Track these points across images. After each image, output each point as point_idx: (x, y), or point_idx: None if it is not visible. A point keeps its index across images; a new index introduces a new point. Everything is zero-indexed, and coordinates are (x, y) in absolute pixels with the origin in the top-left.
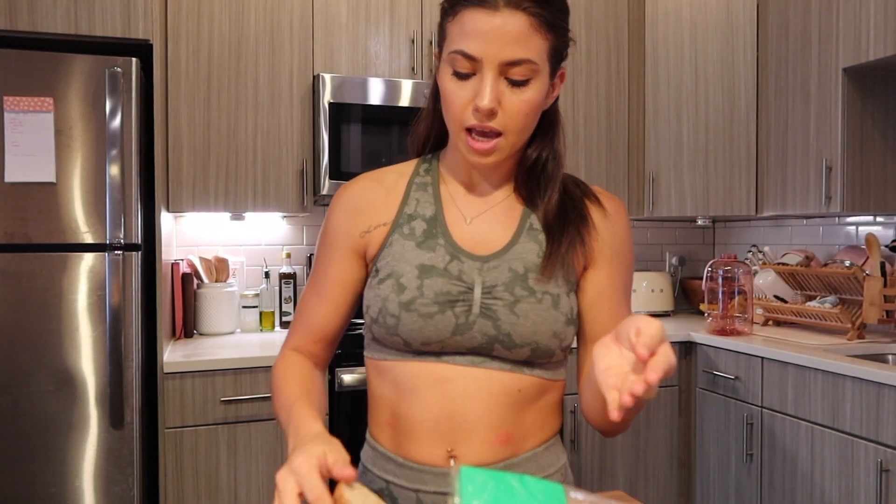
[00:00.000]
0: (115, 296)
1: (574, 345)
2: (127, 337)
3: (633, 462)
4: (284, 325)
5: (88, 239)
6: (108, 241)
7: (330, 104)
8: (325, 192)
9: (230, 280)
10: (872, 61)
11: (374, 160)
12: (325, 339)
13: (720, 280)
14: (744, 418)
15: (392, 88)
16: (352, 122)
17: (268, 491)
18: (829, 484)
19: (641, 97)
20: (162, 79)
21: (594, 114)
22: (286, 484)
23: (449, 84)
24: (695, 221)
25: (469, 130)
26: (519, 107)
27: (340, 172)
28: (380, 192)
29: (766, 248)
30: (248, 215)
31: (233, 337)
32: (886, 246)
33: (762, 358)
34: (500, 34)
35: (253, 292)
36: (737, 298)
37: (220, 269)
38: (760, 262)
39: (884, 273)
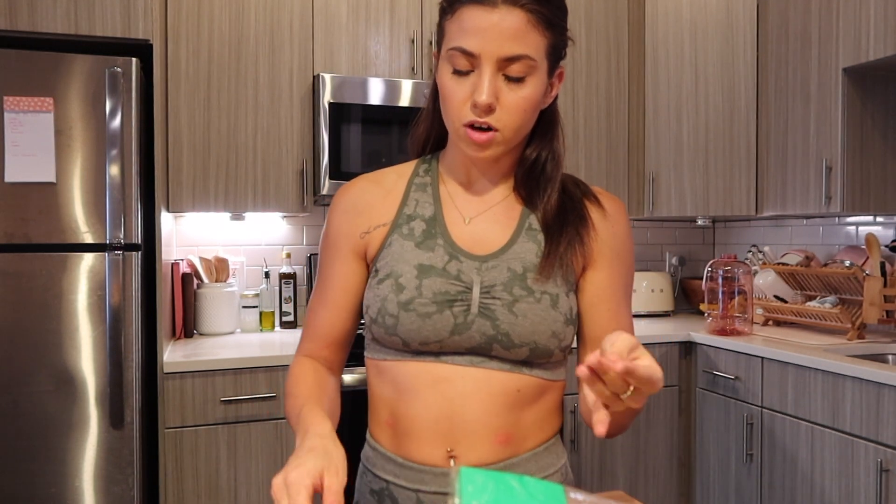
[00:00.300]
0: (115, 296)
1: (574, 345)
2: (127, 337)
3: (633, 462)
4: (284, 325)
5: (88, 239)
6: (108, 241)
7: (330, 104)
8: (325, 192)
9: (230, 280)
10: (872, 61)
11: (374, 160)
12: (334, 343)
13: (720, 280)
14: (744, 418)
15: (392, 88)
16: (352, 122)
17: (268, 491)
18: (829, 484)
19: (641, 97)
20: (162, 79)
21: (594, 114)
22: (280, 498)
23: (448, 81)
24: (695, 221)
25: (467, 128)
26: (517, 103)
27: (340, 172)
28: (379, 193)
29: (766, 248)
30: (248, 215)
31: (233, 337)
32: (886, 246)
33: (762, 358)
34: (499, 30)
35: (253, 292)
36: (737, 298)
37: (220, 269)
38: (760, 262)
39: (884, 273)
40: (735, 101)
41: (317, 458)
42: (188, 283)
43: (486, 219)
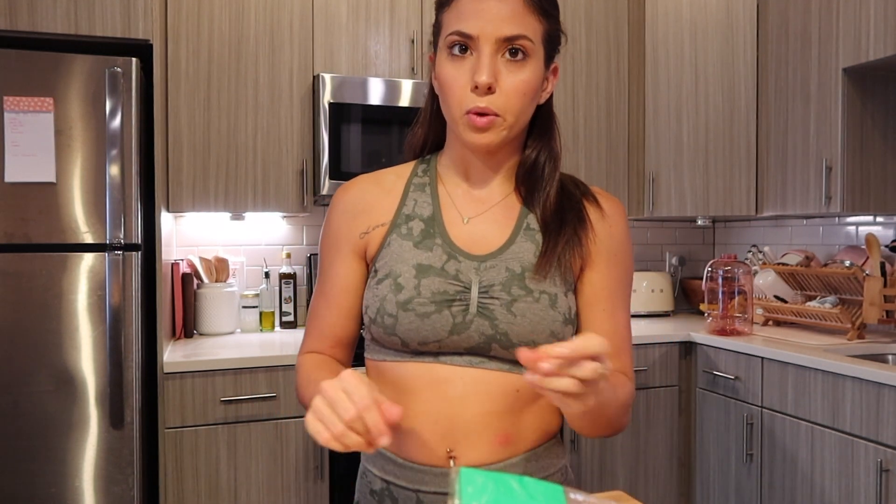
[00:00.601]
0: (115, 296)
1: None
2: (127, 337)
3: (633, 462)
4: (284, 325)
5: (88, 239)
6: (108, 241)
7: (330, 104)
8: (325, 192)
9: (230, 280)
10: (872, 61)
11: (374, 160)
12: (339, 344)
13: (720, 280)
14: (744, 418)
15: (392, 88)
16: (352, 122)
17: (268, 490)
18: (829, 484)
19: (641, 97)
20: (162, 79)
21: (594, 114)
22: (334, 391)
23: (447, 68)
24: (695, 221)
25: (468, 115)
26: (516, 85)
27: (340, 172)
28: (378, 193)
29: (766, 248)
30: (248, 215)
31: (233, 337)
32: (886, 246)
33: (762, 358)
34: (496, 12)
35: (253, 292)
36: (737, 298)
37: (220, 269)
38: (760, 262)
39: (884, 273)
40: (735, 101)
41: (357, 378)
42: (188, 283)
43: (484, 219)
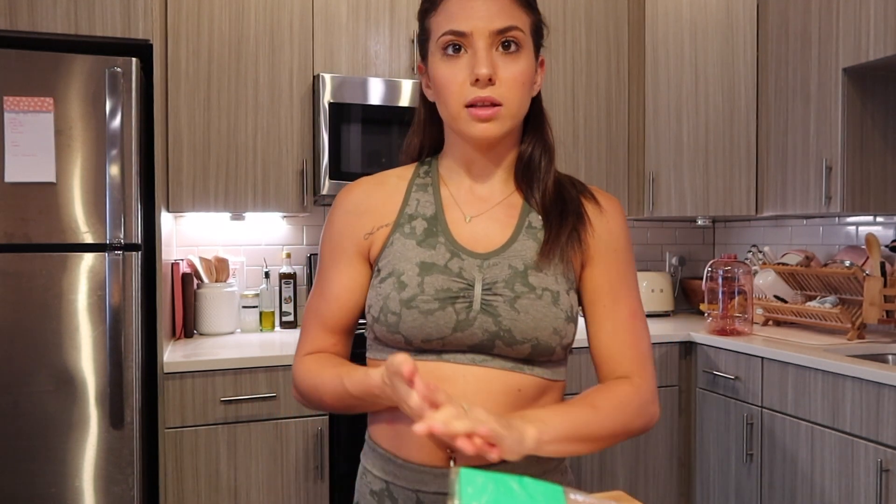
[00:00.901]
0: (115, 296)
1: (575, 344)
2: (127, 337)
3: (633, 462)
4: (285, 325)
5: (88, 239)
6: (108, 241)
7: (330, 104)
8: (325, 192)
9: (230, 280)
10: (872, 61)
11: (374, 160)
12: (340, 331)
13: (720, 280)
14: (744, 418)
15: (392, 88)
16: (352, 122)
17: (268, 490)
18: (829, 484)
19: (641, 97)
20: (162, 79)
21: (594, 114)
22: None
23: (442, 69)
24: (695, 221)
25: (469, 107)
26: (514, 76)
27: (340, 172)
28: (381, 195)
29: (766, 248)
30: (248, 215)
31: (233, 337)
32: (886, 246)
33: (762, 358)
34: (485, 9)
35: (253, 292)
36: (737, 298)
37: (220, 269)
38: (760, 262)
39: (884, 273)
40: (735, 101)
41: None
42: (188, 283)
43: (486, 218)
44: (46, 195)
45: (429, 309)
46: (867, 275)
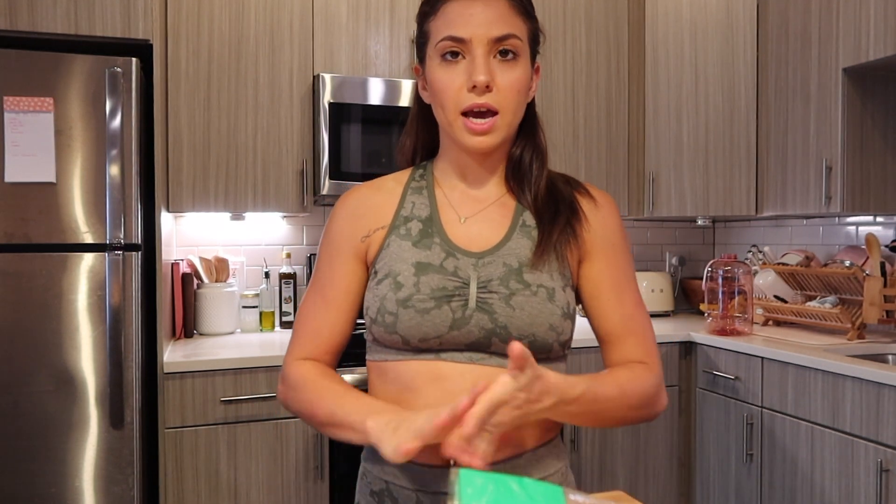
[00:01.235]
0: (115, 296)
1: (574, 345)
2: (127, 337)
3: (633, 462)
4: (284, 325)
5: (88, 239)
6: (108, 242)
7: (330, 104)
8: (325, 192)
9: (230, 280)
10: (872, 61)
11: (374, 160)
12: (331, 348)
13: (720, 280)
14: (744, 418)
15: (392, 88)
16: (352, 122)
17: (268, 490)
18: (829, 484)
19: (641, 97)
20: (162, 79)
21: (594, 114)
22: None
23: (440, 73)
24: (695, 221)
25: (465, 115)
26: (511, 83)
27: (340, 172)
28: (378, 198)
29: (766, 248)
30: (248, 215)
31: (233, 337)
32: (886, 246)
33: (762, 358)
34: (484, 16)
35: (253, 292)
36: (737, 298)
37: (220, 269)
38: (760, 262)
39: (884, 273)
40: (735, 101)
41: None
42: (188, 283)
43: (481, 218)
44: (46, 195)
45: (425, 308)
46: (867, 275)
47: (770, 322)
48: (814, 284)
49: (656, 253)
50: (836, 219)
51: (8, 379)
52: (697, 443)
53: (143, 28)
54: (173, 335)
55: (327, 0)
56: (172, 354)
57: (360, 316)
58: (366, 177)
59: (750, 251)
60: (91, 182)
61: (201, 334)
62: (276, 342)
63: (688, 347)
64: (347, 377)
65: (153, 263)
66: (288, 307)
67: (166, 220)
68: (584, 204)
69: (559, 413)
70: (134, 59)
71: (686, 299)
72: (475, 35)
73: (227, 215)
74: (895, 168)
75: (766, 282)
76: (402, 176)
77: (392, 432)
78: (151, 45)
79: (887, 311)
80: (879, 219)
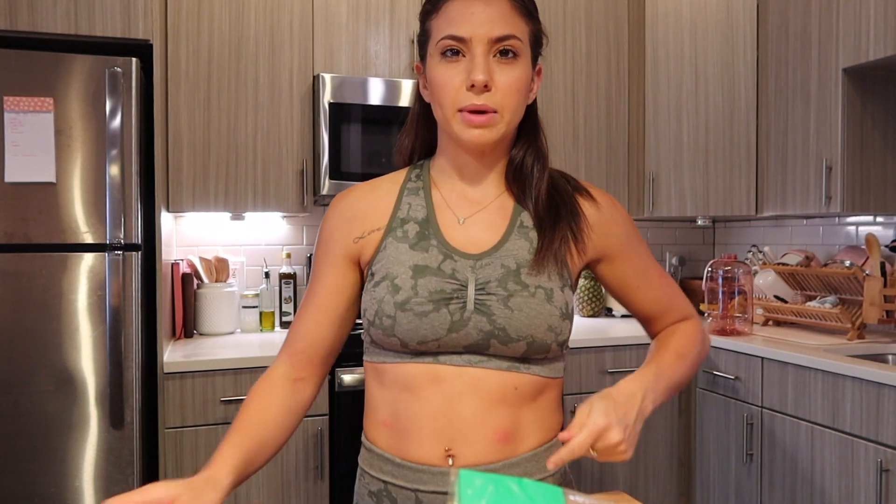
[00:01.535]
0: (115, 296)
1: (571, 345)
2: (127, 337)
3: (633, 462)
4: (284, 325)
5: (88, 239)
6: (108, 242)
7: (330, 104)
8: (325, 192)
9: (230, 280)
10: (872, 61)
11: (374, 160)
12: (319, 349)
13: (720, 280)
14: (744, 418)
15: (392, 88)
16: (352, 122)
17: (268, 491)
18: (829, 484)
19: (641, 97)
20: (162, 79)
21: (594, 114)
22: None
23: (439, 71)
24: (695, 221)
25: (463, 111)
26: (510, 83)
27: (340, 172)
28: (372, 200)
29: (766, 248)
30: (248, 215)
31: (233, 337)
32: (886, 246)
33: (762, 358)
34: (486, 15)
35: (253, 292)
36: (737, 298)
37: (220, 269)
38: (760, 262)
39: (884, 273)
40: (735, 101)
41: (181, 488)
42: (188, 283)
43: (479, 219)
44: (46, 195)
45: (423, 311)
46: (867, 275)
47: (770, 322)
48: (814, 284)
49: (656, 253)
50: (836, 219)
51: (8, 379)
52: (697, 443)
53: (143, 28)
54: (173, 335)
55: (327, 0)
56: (172, 354)
57: (359, 315)
58: (366, 177)
59: (750, 251)
60: (91, 182)
61: (201, 334)
62: (276, 342)
63: None
64: (347, 377)
65: (153, 263)
66: (288, 307)
67: (166, 220)
68: (587, 208)
69: (657, 400)
70: (134, 59)
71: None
72: (475, 34)
73: (227, 215)
74: (895, 168)
75: (766, 282)
76: (398, 176)
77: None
78: (151, 45)
79: (887, 311)
80: (879, 219)
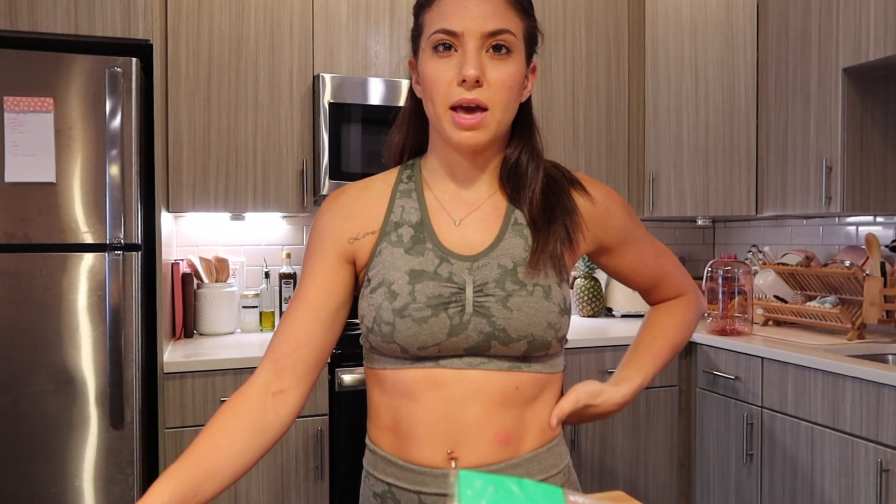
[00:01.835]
0: (115, 296)
1: (570, 345)
2: (127, 337)
3: (633, 462)
4: None
5: (88, 239)
6: (108, 242)
7: (330, 104)
8: (325, 192)
9: (230, 280)
10: (872, 61)
11: (374, 160)
12: (308, 349)
13: (720, 280)
14: (744, 418)
15: (392, 88)
16: (352, 122)
17: (268, 491)
18: (829, 484)
19: (641, 97)
20: (162, 79)
21: (594, 114)
22: None
23: (431, 66)
24: (695, 221)
25: (455, 110)
26: (502, 79)
27: (340, 172)
28: (366, 200)
29: (766, 248)
30: (248, 215)
31: (233, 337)
32: (886, 246)
33: (762, 358)
34: (479, 10)
35: (253, 292)
36: (737, 298)
37: (220, 269)
38: (760, 262)
39: (884, 273)
40: (735, 101)
41: None
42: (188, 283)
43: (473, 219)
44: (46, 195)
45: (422, 317)
46: (867, 275)
47: (770, 322)
48: (814, 284)
49: None
50: (836, 219)
51: (8, 379)
52: (697, 443)
53: (143, 28)
54: (173, 335)
55: (327, 0)
56: (172, 354)
57: (354, 315)
58: (365, 177)
59: (750, 251)
60: (91, 182)
61: (201, 334)
62: None
63: (688, 347)
64: (347, 377)
65: (153, 263)
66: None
67: (166, 220)
68: (582, 203)
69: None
70: (134, 59)
71: None
72: (468, 28)
73: (227, 215)
74: (895, 168)
75: (766, 282)
76: (390, 176)
77: None
78: (151, 45)
79: (887, 311)
80: (879, 219)
